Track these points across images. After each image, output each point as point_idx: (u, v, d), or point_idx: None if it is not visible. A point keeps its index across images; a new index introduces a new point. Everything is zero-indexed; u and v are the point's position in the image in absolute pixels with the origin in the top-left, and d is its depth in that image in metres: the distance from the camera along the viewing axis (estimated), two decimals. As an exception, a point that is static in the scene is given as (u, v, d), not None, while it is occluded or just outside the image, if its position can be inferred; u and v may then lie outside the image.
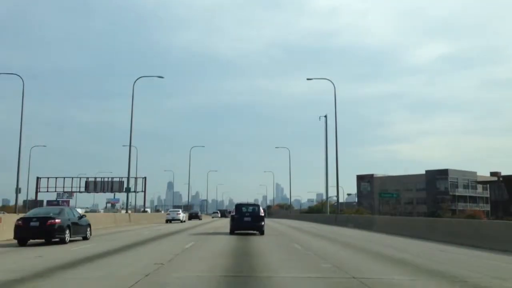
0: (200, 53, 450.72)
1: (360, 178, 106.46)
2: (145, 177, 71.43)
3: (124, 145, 72.00)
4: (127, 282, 7.51)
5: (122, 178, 70.99)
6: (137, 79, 41.65)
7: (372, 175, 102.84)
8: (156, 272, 8.70)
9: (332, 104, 41.52)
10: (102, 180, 76.81)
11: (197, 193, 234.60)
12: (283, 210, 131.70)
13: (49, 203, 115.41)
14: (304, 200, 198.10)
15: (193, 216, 57.82)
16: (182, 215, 47.19)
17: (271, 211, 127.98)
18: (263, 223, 20.90)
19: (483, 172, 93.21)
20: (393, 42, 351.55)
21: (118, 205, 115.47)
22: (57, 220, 15.22)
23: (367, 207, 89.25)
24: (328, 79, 42.95)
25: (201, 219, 57.73)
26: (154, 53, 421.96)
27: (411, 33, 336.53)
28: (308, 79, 43.75)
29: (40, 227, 14.97)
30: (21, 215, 17.29)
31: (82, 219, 17.40)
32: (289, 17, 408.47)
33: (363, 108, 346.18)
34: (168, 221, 44.55)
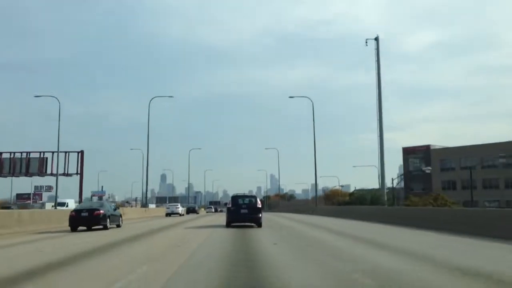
0: (192, 44, 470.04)
1: (409, 152, 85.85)
2: (81, 151, 54.55)
3: (37, 95, 49.85)
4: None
5: (44, 153, 54.03)
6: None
7: (428, 146, 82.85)
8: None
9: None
10: (12, 157, 53.79)
11: (190, 185, 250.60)
12: (285, 201, 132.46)
13: (19, 196, 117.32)
14: (298, 191, 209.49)
15: (190, 211, 67.59)
16: (180, 209, 56.37)
17: (270, 203, 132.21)
18: (260, 215, 23.20)
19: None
20: (385, 30, 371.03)
21: (104, 198, 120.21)
22: (101, 211, 22.89)
23: (419, 194, 66.89)
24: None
25: (198, 213, 68.75)
26: (145, 44, 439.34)
27: (402, 20, 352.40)
28: None
29: (88, 217, 22.60)
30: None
31: (116, 211, 25.20)
32: (282, 6, 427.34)
33: (356, 96, 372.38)
34: (168, 214, 52.90)
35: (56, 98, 48.73)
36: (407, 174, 79.74)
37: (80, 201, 54.85)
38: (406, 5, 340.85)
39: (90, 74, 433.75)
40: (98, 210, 22.90)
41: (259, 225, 22.88)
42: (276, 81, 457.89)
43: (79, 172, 54.13)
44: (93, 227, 23.05)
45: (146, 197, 64.33)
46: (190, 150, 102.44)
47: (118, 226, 25.05)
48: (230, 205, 23.83)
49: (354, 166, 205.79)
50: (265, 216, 36.99)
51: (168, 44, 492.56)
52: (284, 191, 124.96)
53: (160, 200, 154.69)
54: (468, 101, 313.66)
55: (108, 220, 23.32)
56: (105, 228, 23.05)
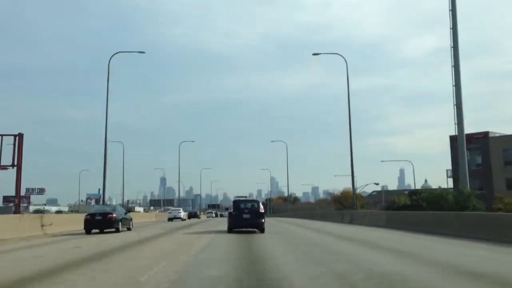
0: (193, 49, 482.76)
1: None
2: (19, 135, 42.96)
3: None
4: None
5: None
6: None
7: (486, 133, 68.32)
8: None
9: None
10: None
11: (191, 188, 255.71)
12: (289, 204, 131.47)
13: (6, 198, 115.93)
14: (299, 194, 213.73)
15: (192, 215, 71.37)
16: (183, 214, 59.76)
17: (274, 206, 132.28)
18: (263, 220, 23.59)
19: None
20: (385, 35, 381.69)
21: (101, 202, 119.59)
22: (114, 215, 25.71)
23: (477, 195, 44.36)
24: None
25: (199, 218, 72.67)
26: (147, 50, 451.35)
27: (403, 26, 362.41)
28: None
29: (102, 220, 25.39)
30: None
31: (127, 214, 28.07)
32: (281, 12, 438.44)
33: (358, 101, 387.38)
34: (170, 219, 55.85)
35: None
36: (455, 168, 60.04)
37: (19, 203, 46.31)
38: (406, 11, 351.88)
39: (90, 80, 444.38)
40: (111, 214, 25.74)
41: (262, 230, 23.44)
42: (276, 86, 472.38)
43: (16, 163, 40.51)
44: (105, 230, 25.82)
45: (104, 194, 44.46)
46: (181, 143, 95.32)
47: (129, 229, 27.89)
48: (231, 210, 24.22)
49: (382, 161, 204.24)
50: (290, 229, 33.85)
51: (169, 50, 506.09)
52: (285, 194, 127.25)
53: (154, 203, 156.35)
54: (468, 106, 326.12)
55: (120, 223, 26.14)
56: (117, 231, 25.84)
